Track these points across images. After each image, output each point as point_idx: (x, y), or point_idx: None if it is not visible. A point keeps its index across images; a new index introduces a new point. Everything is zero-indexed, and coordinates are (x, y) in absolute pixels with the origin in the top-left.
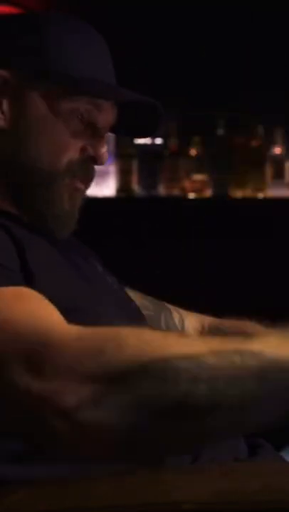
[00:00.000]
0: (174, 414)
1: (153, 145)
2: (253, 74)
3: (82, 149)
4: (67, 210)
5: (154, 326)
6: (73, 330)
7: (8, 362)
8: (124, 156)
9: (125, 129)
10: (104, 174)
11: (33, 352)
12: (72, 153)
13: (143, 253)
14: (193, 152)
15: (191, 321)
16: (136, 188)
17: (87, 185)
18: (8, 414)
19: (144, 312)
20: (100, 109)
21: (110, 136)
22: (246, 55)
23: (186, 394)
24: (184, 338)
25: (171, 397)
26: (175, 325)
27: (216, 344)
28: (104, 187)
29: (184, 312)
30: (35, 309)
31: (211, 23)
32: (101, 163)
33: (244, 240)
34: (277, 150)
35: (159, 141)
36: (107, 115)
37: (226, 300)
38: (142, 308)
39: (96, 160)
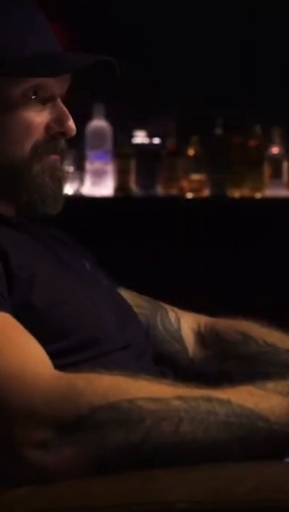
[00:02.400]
0: (137, 453)
1: (151, 145)
2: (252, 74)
3: (47, 128)
4: (53, 188)
5: (151, 325)
6: (46, 370)
7: None
8: (122, 155)
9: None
10: (102, 174)
11: (2, 393)
12: (36, 135)
13: (141, 253)
14: (191, 152)
15: (187, 320)
16: (134, 187)
17: (62, 158)
18: None
19: (140, 311)
20: (55, 79)
21: (108, 135)
22: (245, 56)
23: (150, 434)
24: (153, 382)
25: (134, 436)
26: (171, 324)
27: (184, 390)
28: (102, 187)
29: (180, 311)
30: (14, 343)
31: (210, 22)
32: (70, 135)
33: (242, 240)
34: (275, 150)
35: (157, 140)
36: (63, 81)
37: (222, 299)
38: (137, 308)
39: (64, 133)
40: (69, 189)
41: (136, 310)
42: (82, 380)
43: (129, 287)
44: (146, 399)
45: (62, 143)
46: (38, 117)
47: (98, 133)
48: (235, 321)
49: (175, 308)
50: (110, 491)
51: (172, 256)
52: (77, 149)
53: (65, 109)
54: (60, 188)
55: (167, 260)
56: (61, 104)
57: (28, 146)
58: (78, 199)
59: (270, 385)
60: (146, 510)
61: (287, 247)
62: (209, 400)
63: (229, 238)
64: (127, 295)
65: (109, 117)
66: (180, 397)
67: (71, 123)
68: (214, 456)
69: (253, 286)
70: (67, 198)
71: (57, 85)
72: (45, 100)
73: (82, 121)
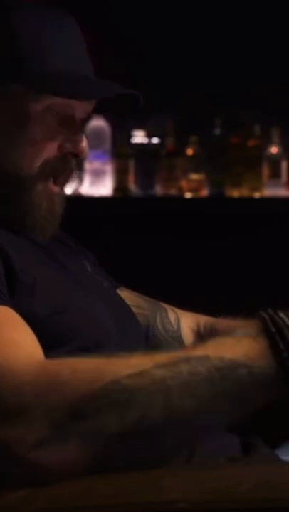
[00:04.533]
0: (132, 434)
1: (150, 144)
2: (251, 74)
3: (60, 147)
4: (45, 215)
5: (150, 325)
6: (32, 365)
7: None
8: (121, 155)
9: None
10: (100, 174)
11: None
12: (48, 152)
13: (140, 252)
14: (190, 152)
15: (187, 320)
16: (133, 187)
17: (65, 182)
18: None
19: (140, 311)
20: (78, 101)
21: (107, 135)
22: (244, 56)
23: (143, 410)
24: (128, 358)
25: (129, 417)
26: (171, 324)
27: (162, 357)
28: (100, 186)
29: (179, 311)
30: (5, 340)
31: (209, 22)
32: (82, 157)
33: (241, 240)
34: (274, 150)
35: (156, 140)
36: (85, 106)
37: (222, 299)
38: (137, 308)
39: (76, 155)
40: (68, 189)
41: (136, 310)
42: (66, 368)
43: (128, 287)
44: (129, 376)
45: (73, 164)
46: (53, 136)
47: (97, 133)
48: (235, 320)
49: (175, 308)
50: (110, 491)
51: (171, 256)
52: None
53: (81, 130)
54: (54, 219)
55: (166, 260)
56: (79, 125)
57: (37, 163)
58: (77, 199)
59: (238, 331)
60: (146, 510)
61: (286, 246)
62: (188, 360)
63: (228, 238)
64: (126, 295)
65: (107, 117)
66: (161, 366)
67: (85, 145)
68: (206, 417)
69: (252, 285)
70: (66, 197)
71: (79, 107)
72: (64, 119)
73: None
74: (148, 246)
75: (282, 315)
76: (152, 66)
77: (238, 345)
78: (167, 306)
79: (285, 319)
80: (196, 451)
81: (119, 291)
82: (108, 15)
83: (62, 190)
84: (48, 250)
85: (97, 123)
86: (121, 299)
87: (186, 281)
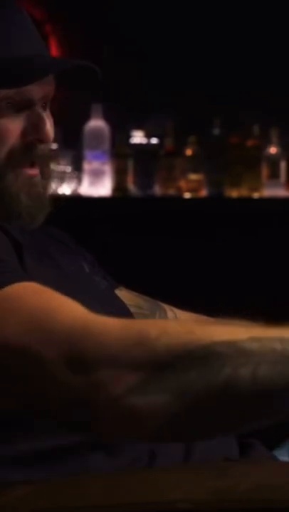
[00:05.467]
0: (217, 400)
1: (149, 145)
2: (250, 74)
3: (23, 133)
4: (29, 203)
5: None
6: (110, 321)
7: (46, 360)
8: (120, 155)
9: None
10: (100, 174)
11: (72, 346)
12: (11, 141)
13: (138, 253)
14: (189, 152)
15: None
16: (132, 187)
17: (44, 168)
18: (51, 408)
19: (139, 311)
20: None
21: (106, 135)
22: (243, 56)
23: (229, 379)
24: (226, 325)
25: (214, 383)
26: None
27: (257, 331)
28: (100, 187)
29: (178, 311)
30: (59, 303)
31: (209, 22)
32: (48, 141)
33: (240, 240)
34: (273, 150)
35: (155, 140)
36: (44, 85)
37: (221, 299)
38: (136, 308)
39: (41, 140)
40: (67, 189)
41: (135, 310)
42: (154, 328)
43: (127, 287)
44: (221, 343)
45: (42, 150)
46: (12, 124)
47: (96, 133)
48: (234, 321)
49: (174, 308)
50: (110, 491)
51: (170, 256)
52: (75, 149)
53: (42, 114)
54: (41, 204)
55: (165, 260)
56: (39, 110)
57: (2, 154)
58: (76, 199)
59: None
60: (146, 510)
61: (285, 246)
62: (282, 340)
63: (227, 238)
64: (126, 295)
65: (107, 117)
66: (254, 339)
67: (48, 129)
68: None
69: (251, 285)
70: (65, 198)
71: (35, 90)
72: (21, 106)
73: (80, 122)
74: (147, 246)
75: None
76: (151, 66)
77: None
78: (166, 306)
79: None
80: (193, 452)
81: (118, 291)
82: (108, 15)
83: (45, 173)
84: (46, 251)
85: (96, 123)
86: (118, 300)
87: (186, 281)
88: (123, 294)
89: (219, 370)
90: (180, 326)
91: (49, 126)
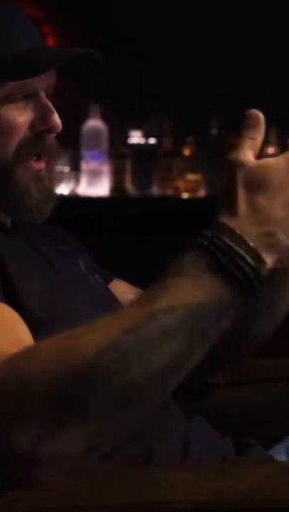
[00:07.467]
0: (119, 405)
1: (147, 145)
2: (248, 74)
3: (31, 126)
4: (38, 197)
5: None
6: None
7: None
8: (118, 155)
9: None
10: (98, 174)
11: None
12: (20, 135)
13: (137, 253)
14: (187, 152)
15: None
16: (129, 187)
17: (51, 160)
18: None
19: None
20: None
21: (104, 136)
22: (241, 56)
23: (121, 386)
24: (91, 329)
25: (112, 393)
26: None
27: (127, 320)
28: (98, 187)
29: None
30: None
31: (208, 22)
32: (56, 131)
33: None
34: (271, 150)
35: (152, 141)
36: (46, 76)
37: None
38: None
39: (50, 130)
40: (65, 189)
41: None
42: (29, 362)
43: None
44: (98, 353)
45: (50, 140)
46: (21, 116)
47: (94, 133)
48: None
49: None
50: (110, 491)
51: (168, 256)
52: (73, 149)
53: (49, 104)
54: (48, 197)
55: (163, 260)
56: (45, 100)
57: (11, 147)
58: (74, 199)
59: (185, 263)
60: (146, 510)
61: None
62: (155, 316)
63: None
64: (123, 289)
65: (105, 117)
66: (128, 331)
67: (56, 118)
68: (185, 364)
69: None
70: (63, 198)
71: (39, 81)
72: (27, 98)
73: (78, 122)
74: (145, 246)
75: (223, 239)
76: (150, 66)
77: (196, 285)
78: None
79: (227, 241)
80: (189, 452)
81: (116, 282)
82: (108, 15)
83: (50, 165)
84: (41, 252)
85: (94, 123)
86: (113, 300)
87: None
88: (120, 287)
89: (106, 380)
90: (51, 346)
91: (56, 116)
